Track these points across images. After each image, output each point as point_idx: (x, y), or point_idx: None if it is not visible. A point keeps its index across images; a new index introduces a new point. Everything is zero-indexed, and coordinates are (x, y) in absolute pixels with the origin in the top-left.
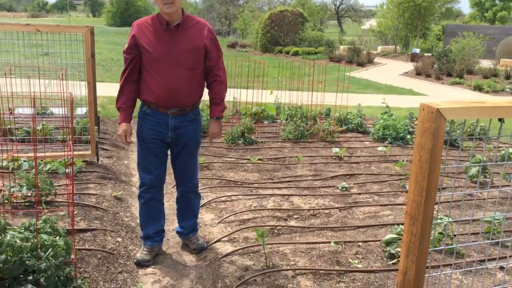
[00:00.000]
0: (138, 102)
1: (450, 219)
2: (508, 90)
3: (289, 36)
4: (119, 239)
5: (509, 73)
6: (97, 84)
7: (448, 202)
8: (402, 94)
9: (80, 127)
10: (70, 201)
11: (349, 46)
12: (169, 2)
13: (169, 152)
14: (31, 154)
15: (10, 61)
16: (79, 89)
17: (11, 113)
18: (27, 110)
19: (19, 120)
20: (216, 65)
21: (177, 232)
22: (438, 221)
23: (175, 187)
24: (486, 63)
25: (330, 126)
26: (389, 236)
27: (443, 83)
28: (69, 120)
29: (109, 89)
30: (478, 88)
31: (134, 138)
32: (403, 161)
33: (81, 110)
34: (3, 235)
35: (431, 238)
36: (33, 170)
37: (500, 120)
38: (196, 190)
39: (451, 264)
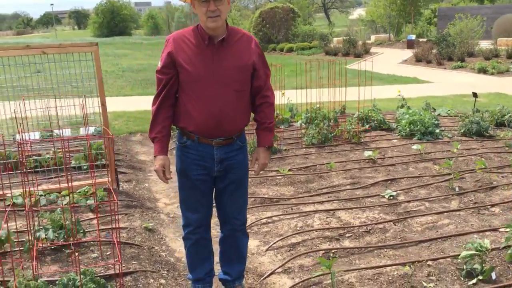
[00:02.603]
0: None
1: None
2: None
3: (281, 32)
4: (163, 281)
5: (510, 52)
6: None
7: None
8: (407, 83)
9: (95, 152)
10: (100, 240)
11: (344, 38)
12: (215, 16)
13: None
14: (46, 187)
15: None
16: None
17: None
18: (33, 134)
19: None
20: (265, 85)
21: (220, 279)
22: None
23: (219, 226)
24: (484, 44)
25: (352, 126)
26: (466, 253)
27: (445, 68)
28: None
29: (109, 104)
30: (483, 71)
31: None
32: (449, 159)
33: (87, 130)
34: None
35: None
36: (55, 207)
37: (474, 95)
38: (245, 229)
39: None
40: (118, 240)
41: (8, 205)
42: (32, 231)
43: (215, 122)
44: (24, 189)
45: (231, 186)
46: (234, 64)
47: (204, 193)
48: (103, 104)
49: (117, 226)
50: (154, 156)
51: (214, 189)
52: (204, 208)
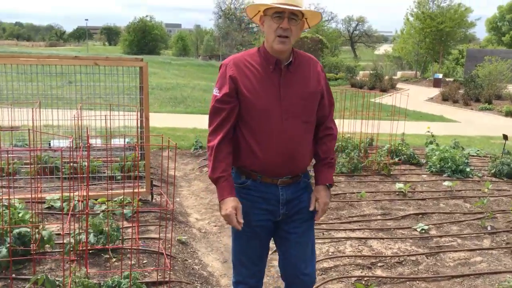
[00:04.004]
0: None
1: None
2: None
3: None
4: None
5: None
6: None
7: None
8: (433, 121)
9: (130, 163)
10: (137, 247)
11: (371, 72)
12: (285, 35)
13: None
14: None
15: (35, 92)
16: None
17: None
18: (63, 142)
19: (57, 154)
20: (329, 115)
21: None
22: None
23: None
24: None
25: (382, 158)
26: None
27: (472, 109)
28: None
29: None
30: (511, 114)
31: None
32: (484, 198)
33: (119, 142)
34: None
35: None
36: (96, 213)
37: (504, 137)
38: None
39: None
40: (170, 252)
41: (47, 207)
42: (74, 234)
43: (284, 159)
44: (86, 193)
45: (297, 231)
46: (303, 91)
47: (263, 243)
48: (147, 118)
49: (171, 235)
50: (221, 199)
51: (274, 236)
52: (262, 262)
